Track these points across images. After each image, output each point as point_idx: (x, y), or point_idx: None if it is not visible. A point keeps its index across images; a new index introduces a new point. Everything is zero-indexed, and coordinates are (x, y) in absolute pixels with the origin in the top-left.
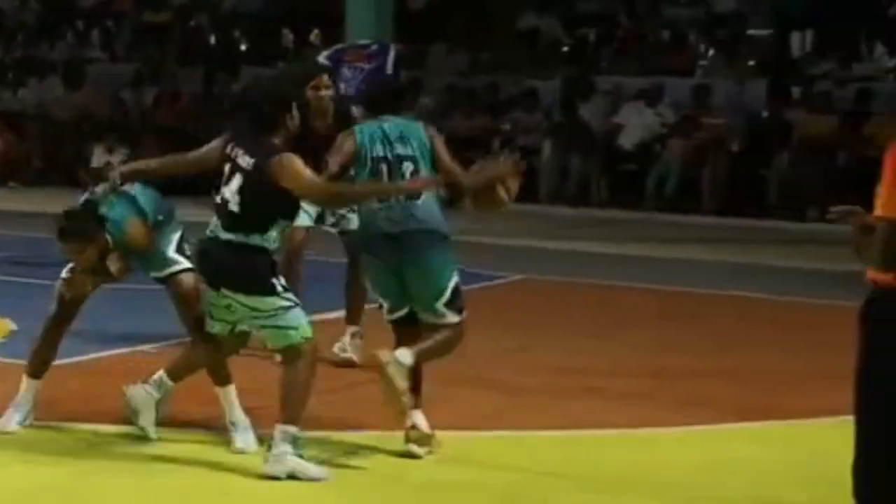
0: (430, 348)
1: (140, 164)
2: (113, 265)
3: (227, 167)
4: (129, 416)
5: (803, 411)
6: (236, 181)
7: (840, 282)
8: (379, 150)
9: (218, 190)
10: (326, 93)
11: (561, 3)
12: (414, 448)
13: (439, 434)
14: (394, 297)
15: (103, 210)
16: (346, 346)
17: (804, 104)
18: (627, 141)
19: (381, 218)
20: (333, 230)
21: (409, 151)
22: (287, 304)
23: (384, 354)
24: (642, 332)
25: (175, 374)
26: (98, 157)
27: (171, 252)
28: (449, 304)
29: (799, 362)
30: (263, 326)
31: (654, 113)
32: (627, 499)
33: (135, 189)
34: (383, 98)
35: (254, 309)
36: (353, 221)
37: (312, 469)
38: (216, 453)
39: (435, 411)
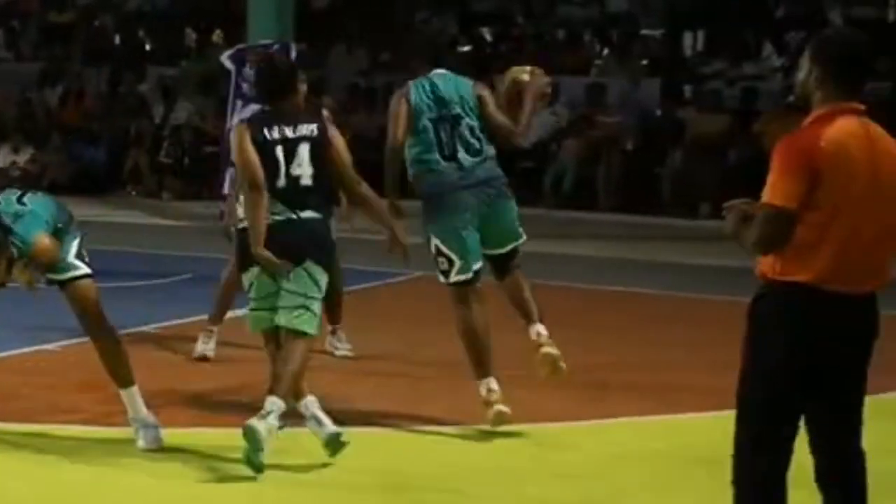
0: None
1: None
2: (22, 277)
3: (279, 150)
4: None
5: (696, 404)
6: (304, 153)
7: (732, 277)
8: (434, 111)
9: (270, 181)
10: None
11: (458, 2)
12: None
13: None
14: (470, 248)
15: (7, 222)
16: (336, 343)
17: (696, 103)
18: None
19: (455, 172)
20: None
21: (464, 110)
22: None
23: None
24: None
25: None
26: (4, 157)
27: (71, 257)
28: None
29: (694, 357)
30: (300, 306)
31: (549, 112)
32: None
33: (31, 202)
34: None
35: (316, 284)
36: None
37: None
38: (121, 450)
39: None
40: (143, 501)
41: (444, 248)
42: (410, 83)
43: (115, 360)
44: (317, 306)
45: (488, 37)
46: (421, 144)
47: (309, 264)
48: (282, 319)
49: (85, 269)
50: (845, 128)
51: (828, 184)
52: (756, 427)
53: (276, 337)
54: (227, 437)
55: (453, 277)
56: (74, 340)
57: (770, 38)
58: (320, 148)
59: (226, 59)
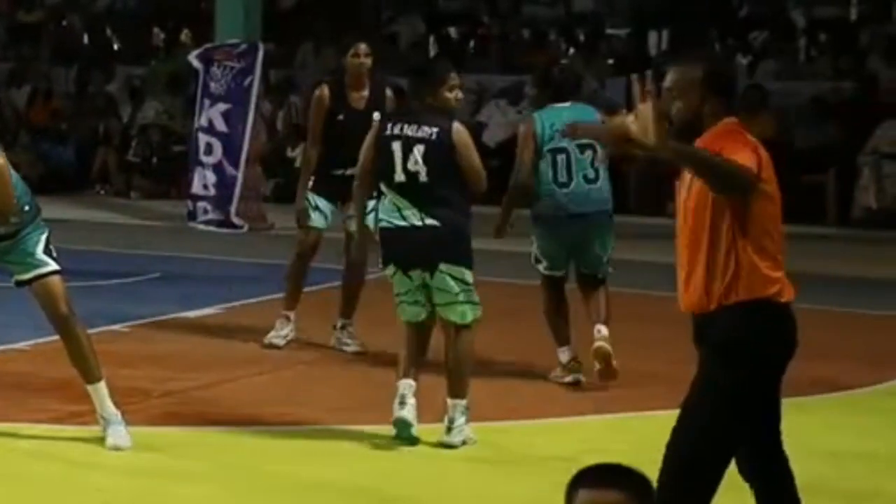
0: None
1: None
2: None
3: (396, 146)
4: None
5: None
6: (418, 152)
7: None
8: (557, 141)
9: (387, 176)
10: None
11: (424, 2)
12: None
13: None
14: (558, 262)
15: None
16: (345, 340)
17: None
18: (491, 139)
19: (565, 199)
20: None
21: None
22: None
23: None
24: (501, 325)
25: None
26: None
27: (40, 252)
28: (607, 262)
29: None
30: (453, 302)
31: (516, 111)
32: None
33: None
34: (564, 84)
35: (460, 280)
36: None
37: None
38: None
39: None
40: (111, 499)
41: (539, 255)
42: (535, 114)
43: (84, 355)
44: (473, 296)
45: (455, 36)
46: (540, 171)
47: (444, 266)
48: (449, 315)
49: (53, 266)
50: None
51: (769, 187)
52: (730, 448)
53: (418, 327)
54: (194, 436)
55: (543, 270)
56: (42, 339)
57: (734, 37)
58: (438, 150)
59: (194, 58)
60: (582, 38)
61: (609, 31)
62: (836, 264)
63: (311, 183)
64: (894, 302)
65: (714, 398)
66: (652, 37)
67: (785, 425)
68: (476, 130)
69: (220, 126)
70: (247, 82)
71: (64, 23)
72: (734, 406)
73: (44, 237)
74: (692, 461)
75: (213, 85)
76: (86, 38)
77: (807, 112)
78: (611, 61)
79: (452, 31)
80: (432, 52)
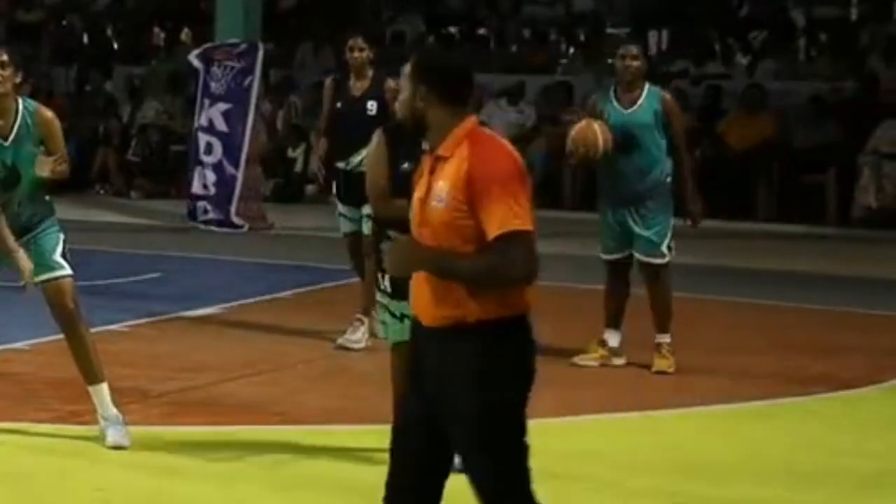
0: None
1: None
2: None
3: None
4: None
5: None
6: None
7: (691, 275)
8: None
9: None
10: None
11: (424, 2)
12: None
13: None
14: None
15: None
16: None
17: None
18: None
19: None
20: None
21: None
22: None
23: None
24: None
25: None
26: None
27: (58, 256)
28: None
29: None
30: None
31: (516, 110)
32: None
33: None
34: None
35: None
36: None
37: None
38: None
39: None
40: (111, 498)
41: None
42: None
43: (87, 356)
44: None
45: (456, 35)
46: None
47: None
48: None
49: (68, 270)
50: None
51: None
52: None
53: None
54: (194, 435)
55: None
56: (44, 339)
57: (734, 36)
58: None
59: (194, 58)
60: (582, 37)
61: (609, 30)
62: (836, 264)
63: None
64: (894, 301)
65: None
66: (652, 36)
67: (785, 424)
68: None
69: (220, 126)
70: (247, 82)
71: (64, 22)
72: None
73: (62, 239)
74: None
75: (213, 84)
76: (86, 38)
77: (806, 112)
78: (610, 61)
79: (452, 30)
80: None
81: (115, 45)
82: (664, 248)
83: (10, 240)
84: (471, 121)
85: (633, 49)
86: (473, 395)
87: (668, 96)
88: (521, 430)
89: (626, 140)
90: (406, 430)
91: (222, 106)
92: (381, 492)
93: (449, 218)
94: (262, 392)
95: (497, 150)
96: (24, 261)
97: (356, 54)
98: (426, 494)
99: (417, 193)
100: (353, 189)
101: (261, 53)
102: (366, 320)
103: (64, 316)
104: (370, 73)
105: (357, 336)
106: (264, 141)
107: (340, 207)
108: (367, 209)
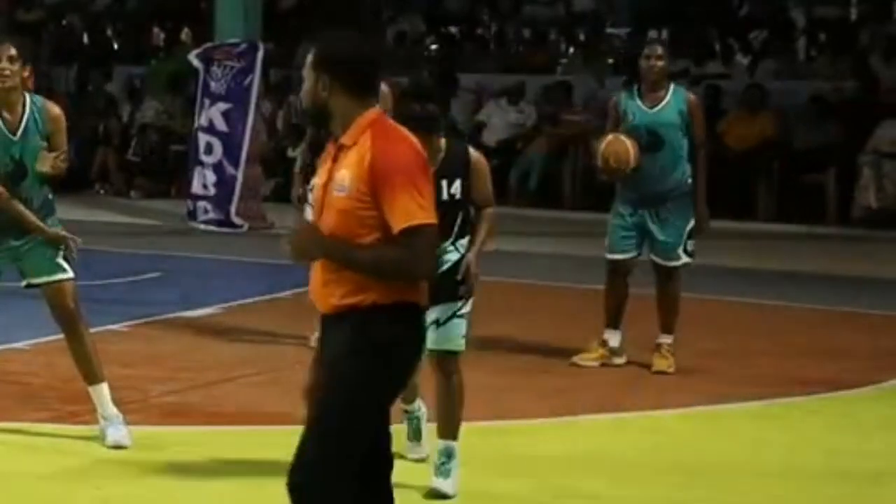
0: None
1: None
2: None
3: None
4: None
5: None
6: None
7: (703, 276)
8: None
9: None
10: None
11: (424, 2)
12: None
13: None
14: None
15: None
16: None
17: None
18: (491, 138)
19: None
20: None
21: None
22: None
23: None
24: (503, 327)
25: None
26: None
27: (59, 258)
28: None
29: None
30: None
31: (516, 110)
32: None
33: None
34: None
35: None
36: None
37: None
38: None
39: None
40: (110, 497)
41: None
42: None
43: (87, 356)
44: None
45: (456, 35)
46: None
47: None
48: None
49: (69, 273)
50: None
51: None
52: (354, 449)
53: None
54: (195, 435)
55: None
56: (42, 339)
57: (734, 36)
58: None
59: (193, 57)
60: (582, 37)
61: (609, 30)
62: (836, 264)
63: None
64: (894, 301)
65: None
66: (652, 36)
67: (786, 424)
68: (476, 129)
69: (221, 125)
70: (247, 82)
71: (64, 22)
72: None
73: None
74: None
75: (213, 84)
76: (86, 38)
77: (807, 112)
78: (610, 60)
79: (453, 30)
80: (432, 51)
81: (116, 45)
82: (681, 251)
83: (31, 217)
84: (374, 110)
85: (658, 49)
86: (342, 361)
87: (692, 97)
88: (364, 411)
89: (650, 139)
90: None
91: (222, 106)
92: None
93: (351, 207)
94: (262, 392)
95: (400, 141)
96: (53, 231)
97: None
98: (367, 482)
99: (320, 179)
100: None
101: (261, 53)
102: None
103: (64, 317)
104: None
105: None
106: (264, 141)
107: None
108: None
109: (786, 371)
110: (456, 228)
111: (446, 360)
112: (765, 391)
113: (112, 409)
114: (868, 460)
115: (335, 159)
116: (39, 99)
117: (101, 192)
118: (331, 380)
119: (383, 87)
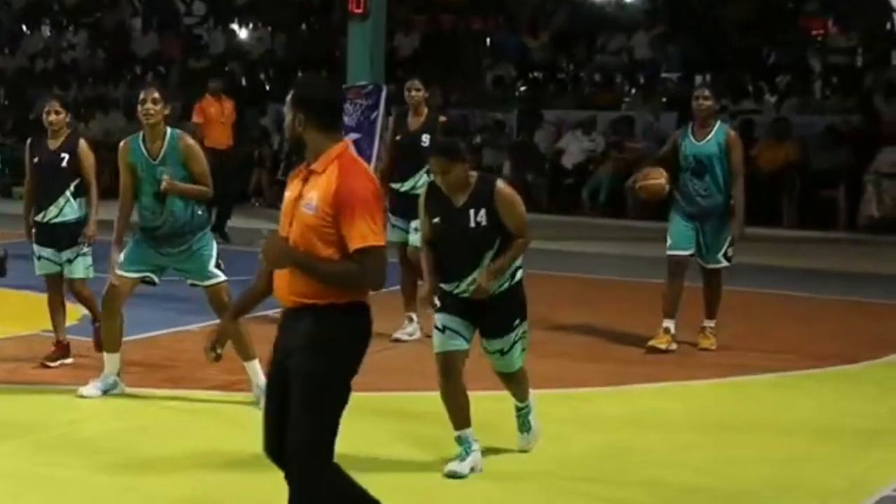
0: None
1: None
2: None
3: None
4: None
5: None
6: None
7: (742, 272)
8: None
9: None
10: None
11: (516, 52)
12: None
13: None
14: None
15: None
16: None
17: None
18: (568, 161)
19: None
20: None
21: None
22: None
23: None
24: (575, 313)
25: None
26: None
27: (212, 267)
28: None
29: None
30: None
31: (588, 139)
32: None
33: None
34: None
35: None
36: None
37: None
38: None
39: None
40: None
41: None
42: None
43: (241, 339)
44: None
45: (540, 79)
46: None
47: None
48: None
49: (222, 277)
50: None
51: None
52: (335, 424)
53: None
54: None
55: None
56: (208, 323)
57: (763, 79)
58: None
59: None
60: (642, 80)
61: (663, 74)
62: (846, 262)
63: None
64: (893, 293)
65: None
66: (698, 79)
67: (802, 391)
68: (556, 155)
69: (352, 152)
70: (373, 116)
71: (226, 68)
72: None
73: (215, 251)
74: None
75: (346, 119)
76: (244, 81)
77: (822, 140)
78: (664, 99)
79: (538, 75)
80: (520, 92)
81: (268, 87)
82: (720, 256)
83: (121, 236)
84: (341, 144)
85: (706, 91)
86: (306, 354)
87: (732, 132)
88: (336, 399)
89: (697, 167)
90: (268, 398)
91: (353, 135)
92: (380, 482)
93: (316, 224)
94: None
95: (360, 174)
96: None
97: (413, 94)
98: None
99: (290, 194)
100: (403, 205)
101: (384, 94)
102: (415, 317)
103: (221, 310)
104: (425, 110)
105: (409, 330)
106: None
107: (392, 219)
108: (415, 223)
109: (804, 349)
110: (489, 257)
111: (509, 374)
112: (786, 364)
113: (263, 381)
114: (872, 420)
115: (306, 180)
116: (177, 132)
117: (256, 204)
118: (308, 368)
119: (417, 96)
